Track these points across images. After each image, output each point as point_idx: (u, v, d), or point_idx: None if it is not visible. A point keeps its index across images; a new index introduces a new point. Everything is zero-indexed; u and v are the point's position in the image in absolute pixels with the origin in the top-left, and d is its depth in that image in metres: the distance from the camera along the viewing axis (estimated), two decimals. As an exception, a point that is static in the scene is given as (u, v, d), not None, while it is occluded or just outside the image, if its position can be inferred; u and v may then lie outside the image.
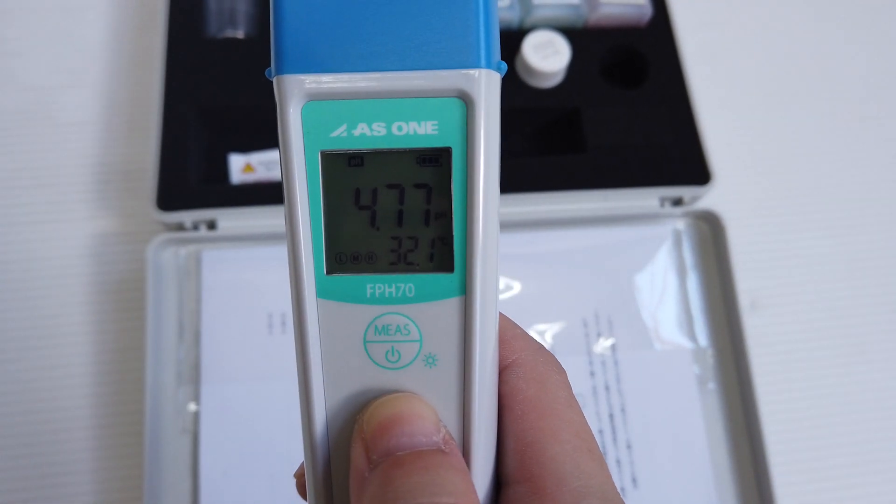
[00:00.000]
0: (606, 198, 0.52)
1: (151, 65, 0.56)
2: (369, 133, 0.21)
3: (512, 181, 0.51)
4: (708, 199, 0.54)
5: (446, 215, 0.21)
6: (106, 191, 0.55)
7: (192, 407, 0.47)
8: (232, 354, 0.48)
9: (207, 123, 0.53)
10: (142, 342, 0.48)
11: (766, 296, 0.55)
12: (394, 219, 0.22)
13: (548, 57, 0.53)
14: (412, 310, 0.22)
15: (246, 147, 0.53)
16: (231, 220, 0.49)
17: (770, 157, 0.59)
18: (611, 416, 0.49)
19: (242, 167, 0.53)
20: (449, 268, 0.21)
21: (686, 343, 0.51)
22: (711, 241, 0.53)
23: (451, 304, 0.21)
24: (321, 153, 0.21)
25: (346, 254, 0.22)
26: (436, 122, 0.21)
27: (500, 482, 0.23)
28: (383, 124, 0.21)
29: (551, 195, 0.51)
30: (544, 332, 0.50)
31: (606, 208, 0.52)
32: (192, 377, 0.48)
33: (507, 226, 0.51)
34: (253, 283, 0.49)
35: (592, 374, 0.49)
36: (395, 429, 0.20)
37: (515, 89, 0.54)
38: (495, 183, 0.21)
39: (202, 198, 0.49)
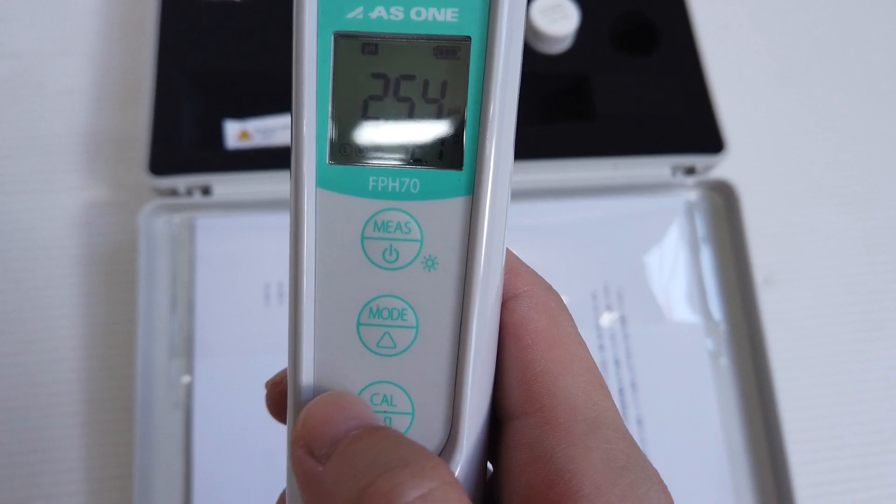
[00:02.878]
0: (616, 166, 0.50)
1: (144, 29, 0.54)
2: (386, 16, 0.20)
3: (518, 149, 0.49)
4: (721, 168, 0.52)
5: (460, 110, 0.20)
6: (97, 160, 0.53)
7: (185, 380, 0.45)
8: (227, 326, 0.46)
9: (202, 89, 0.51)
10: (133, 314, 0.46)
11: (781, 270, 0.53)
12: (405, 111, 0.21)
13: (556, 21, 0.51)
14: (415, 207, 0.20)
15: (242, 113, 0.51)
16: (227, 185, 0.47)
17: (785, 127, 0.57)
18: (621, 391, 0.47)
19: (238, 134, 0.51)
20: (458, 165, 0.20)
21: (699, 317, 0.49)
22: (725, 212, 0.51)
23: (457, 204, 0.20)
24: (334, 34, 0.20)
25: (351, 144, 0.21)
26: (456, 10, 0.20)
27: (499, 417, 0.21)
28: (401, 8, 0.20)
29: (559, 163, 0.50)
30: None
31: (617, 177, 0.50)
32: (186, 350, 0.46)
33: (514, 195, 0.49)
34: (249, 253, 0.47)
35: (602, 347, 0.47)
36: (341, 415, 0.19)
37: (522, 55, 0.52)
38: (515, 80, 0.20)
39: (196, 163, 0.47)
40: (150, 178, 0.47)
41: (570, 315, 0.22)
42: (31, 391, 0.47)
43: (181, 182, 0.47)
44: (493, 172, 0.20)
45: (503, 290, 0.21)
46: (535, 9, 0.51)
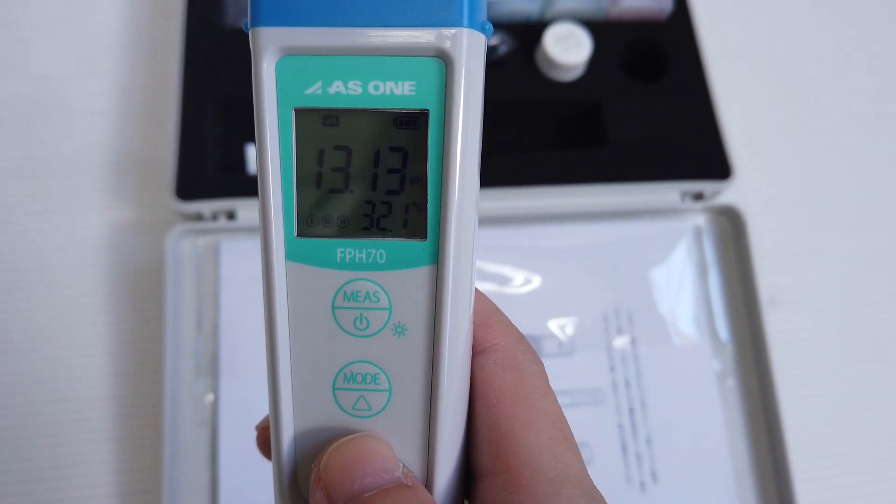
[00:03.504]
0: (627, 192, 0.52)
1: (168, 53, 0.56)
2: (345, 91, 0.20)
3: (532, 174, 0.51)
4: (728, 194, 0.53)
5: (421, 181, 0.21)
6: (122, 181, 0.54)
7: (209, 398, 0.47)
8: (250, 346, 0.48)
9: (225, 113, 0.53)
10: (159, 333, 0.48)
11: (786, 292, 0.55)
12: (368, 182, 0.21)
13: (569, 49, 0.52)
14: (382, 276, 0.21)
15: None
16: (251, 210, 0.49)
17: (790, 152, 0.59)
18: (631, 411, 0.48)
19: (260, 158, 0.53)
20: (422, 235, 0.21)
21: (706, 339, 0.50)
22: (732, 236, 0.53)
23: (422, 273, 0.21)
24: (294, 110, 0.21)
25: (318, 216, 0.21)
26: (413, 83, 0.20)
27: (472, 475, 0.22)
28: (359, 83, 0.20)
29: (572, 189, 0.51)
30: (564, 327, 0.49)
31: (627, 202, 0.52)
32: (211, 369, 0.47)
33: (528, 219, 0.51)
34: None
35: (612, 368, 0.49)
36: (357, 470, 0.20)
37: (536, 82, 0.54)
38: (475, 149, 0.21)
39: (221, 188, 0.49)
40: (176, 202, 0.48)
41: (538, 367, 0.22)
42: (60, 408, 0.48)
43: (207, 207, 0.48)
44: (456, 242, 0.21)
45: (473, 343, 0.22)
46: (549, 37, 0.53)
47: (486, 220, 0.50)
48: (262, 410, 0.48)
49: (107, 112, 0.56)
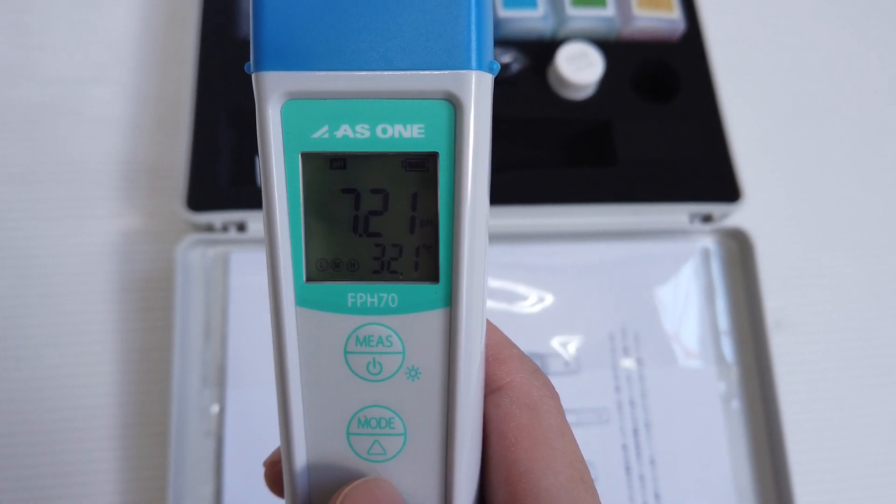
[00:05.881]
0: (636, 212, 0.52)
1: (181, 63, 0.56)
2: (352, 135, 0.20)
3: (541, 192, 0.51)
4: (736, 216, 0.54)
5: (432, 223, 0.21)
6: (132, 189, 0.54)
7: (215, 409, 0.47)
8: (258, 357, 0.48)
9: (237, 124, 0.53)
10: (166, 342, 0.48)
11: (792, 315, 0.55)
12: (377, 225, 0.21)
13: (582, 69, 0.53)
14: (395, 321, 0.21)
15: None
16: (261, 221, 0.49)
17: (799, 176, 0.59)
18: (635, 432, 0.48)
19: (271, 169, 0.53)
20: (434, 278, 0.21)
21: (712, 360, 0.50)
22: (739, 259, 0.53)
23: (436, 316, 0.21)
24: (301, 155, 0.21)
25: (327, 260, 0.21)
26: (422, 126, 0.20)
27: None
28: (367, 126, 0.20)
29: (581, 208, 0.51)
30: (571, 346, 0.49)
31: (635, 223, 0.52)
32: (218, 379, 0.47)
33: (536, 237, 0.51)
34: (281, 287, 0.49)
35: (618, 388, 0.49)
36: None
37: (547, 100, 0.54)
38: (484, 190, 0.21)
39: (232, 199, 0.49)
40: (187, 213, 0.48)
41: (554, 403, 0.22)
42: (65, 415, 0.48)
43: (218, 218, 0.48)
44: (469, 283, 0.20)
45: (487, 381, 0.22)
46: (561, 56, 0.53)
47: (492, 238, 0.51)
48: (269, 422, 0.47)
49: (118, 119, 0.56)
